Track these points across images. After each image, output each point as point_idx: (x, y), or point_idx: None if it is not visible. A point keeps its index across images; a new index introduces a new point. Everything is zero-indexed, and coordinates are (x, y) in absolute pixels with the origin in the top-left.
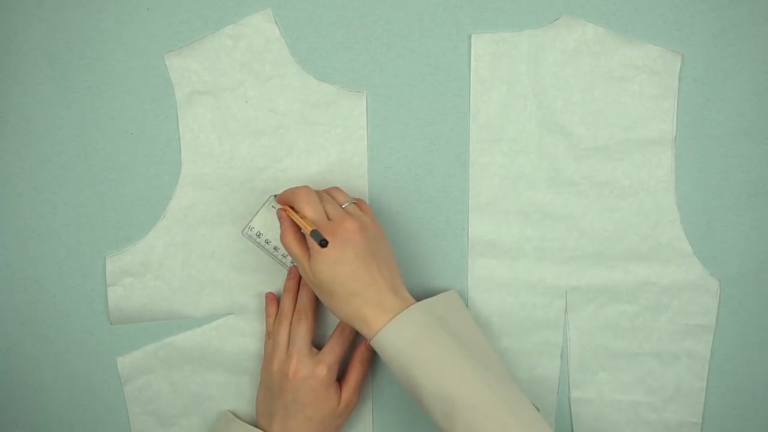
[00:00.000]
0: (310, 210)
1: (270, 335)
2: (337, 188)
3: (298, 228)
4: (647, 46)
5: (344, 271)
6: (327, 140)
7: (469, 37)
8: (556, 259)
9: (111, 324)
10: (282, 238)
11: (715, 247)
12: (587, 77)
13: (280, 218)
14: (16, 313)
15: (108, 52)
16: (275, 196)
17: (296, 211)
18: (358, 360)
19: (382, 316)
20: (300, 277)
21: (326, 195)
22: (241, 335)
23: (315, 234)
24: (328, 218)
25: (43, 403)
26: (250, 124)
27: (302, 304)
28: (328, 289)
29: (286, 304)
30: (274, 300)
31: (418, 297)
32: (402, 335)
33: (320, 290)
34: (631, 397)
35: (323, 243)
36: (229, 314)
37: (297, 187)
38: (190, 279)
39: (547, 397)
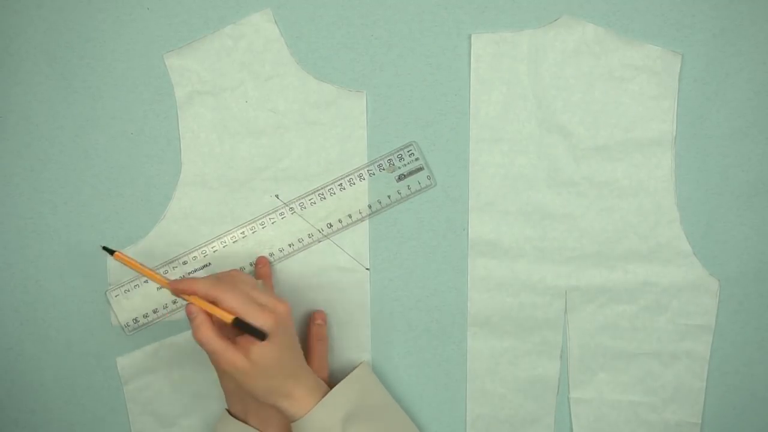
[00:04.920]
0: (233, 298)
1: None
2: (236, 271)
3: (210, 319)
4: (647, 47)
5: (287, 357)
6: (327, 140)
7: (469, 37)
8: (555, 259)
9: (112, 324)
10: (197, 334)
11: (715, 247)
12: (587, 77)
13: (190, 313)
14: (16, 313)
15: (108, 52)
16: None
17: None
18: (313, 338)
19: (311, 397)
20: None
21: (238, 279)
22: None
23: (246, 325)
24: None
25: (43, 403)
26: (250, 124)
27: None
28: (265, 374)
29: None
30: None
31: (417, 298)
32: (333, 416)
33: (250, 376)
34: (630, 397)
35: (262, 335)
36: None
37: (207, 278)
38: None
39: (547, 397)
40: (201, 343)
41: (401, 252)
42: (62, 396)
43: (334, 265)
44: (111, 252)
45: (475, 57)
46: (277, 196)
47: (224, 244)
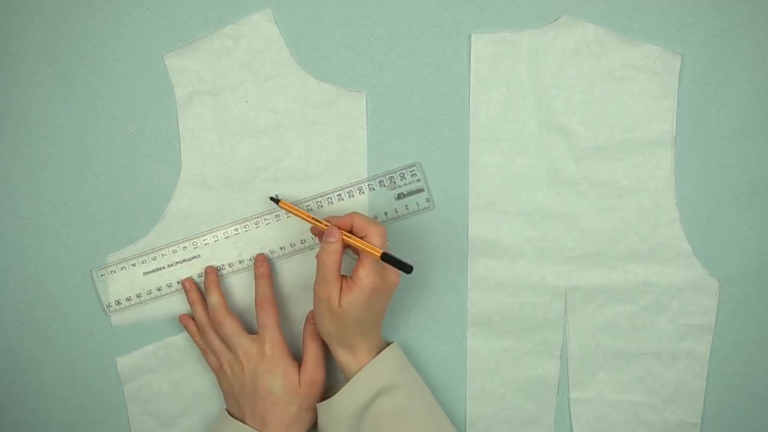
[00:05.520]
0: (380, 238)
1: (206, 351)
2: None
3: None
4: (647, 47)
5: (368, 316)
6: (327, 140)
7: (469, 37)
8: (555, 259)
9: (112, 324)
10: (326, 256)
11: (715, 247)
12: (587, 77)
13: (331, 235)
14: (16, 313)
15: (108, 52)
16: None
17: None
18: (309, 337)
19: (369, 355)
20: (198, 288)
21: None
22: None
23: (393, 259)
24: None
25: (43, 403)
26: (250, 124)
27: (264, 293)
28: (343, 321)
29: (201, 314)
30: (189, 318)
31: (417, 298)
32: (385, 372)
33: (330, 315)
34: (630, 397)
35: (409, 268)
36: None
37: (371, 220)
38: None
39: (547, 397)
40: (322, 264)
41: (401, 252)
42: (62, 396)
43: None
44: (276, 201)
45: (475, 57)
46: (276, 196)
47: (216, 239)
